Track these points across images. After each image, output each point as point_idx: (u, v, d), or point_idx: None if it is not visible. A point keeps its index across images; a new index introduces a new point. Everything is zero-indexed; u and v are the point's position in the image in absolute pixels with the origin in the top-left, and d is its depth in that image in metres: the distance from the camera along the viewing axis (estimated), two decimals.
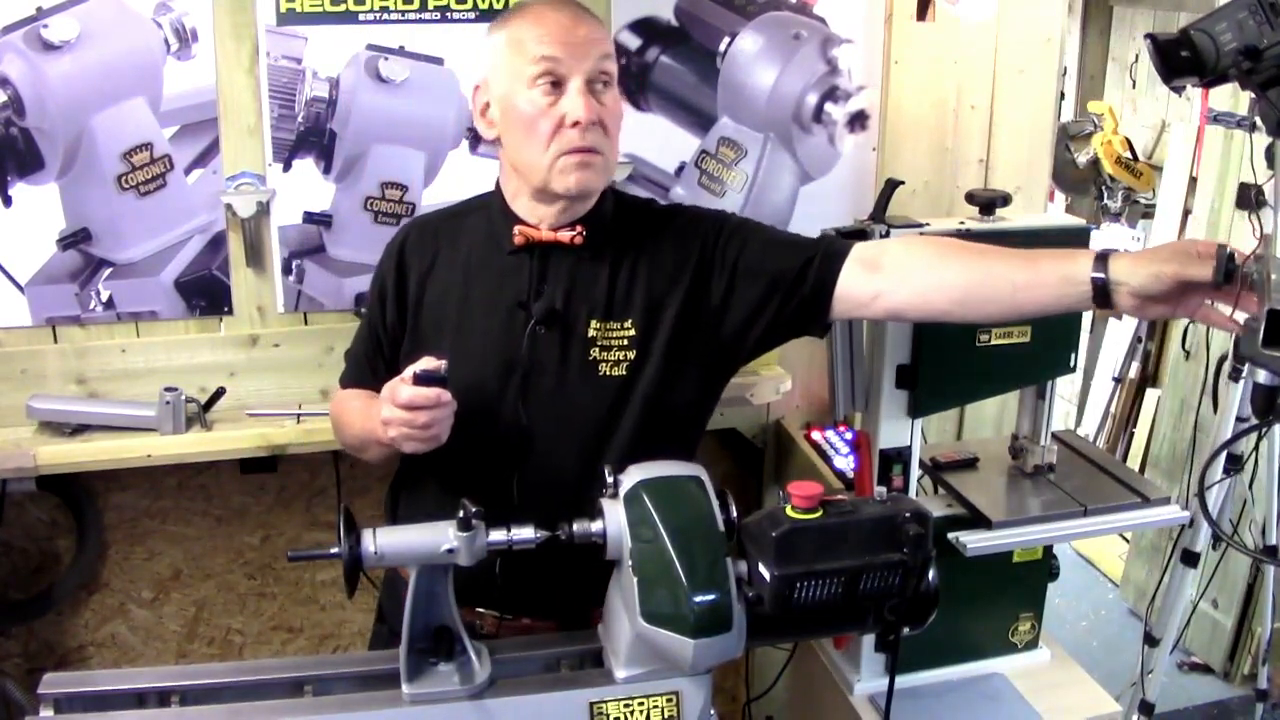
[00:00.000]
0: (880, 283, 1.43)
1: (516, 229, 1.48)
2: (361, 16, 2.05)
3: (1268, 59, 1.91)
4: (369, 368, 1.60)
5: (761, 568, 1.21)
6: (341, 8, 2.05)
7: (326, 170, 2.12)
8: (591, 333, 1.47)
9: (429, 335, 1.53)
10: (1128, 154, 4.67)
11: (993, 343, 1.66)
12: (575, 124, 1.40)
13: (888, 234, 1.61)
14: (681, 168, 2.31)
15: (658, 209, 1.61)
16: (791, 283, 1.47)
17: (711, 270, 1.51)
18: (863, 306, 1.47)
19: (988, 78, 2.41)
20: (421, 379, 1.31)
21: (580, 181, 1.43)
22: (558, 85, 1.41)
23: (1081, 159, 4.76)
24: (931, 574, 1.26)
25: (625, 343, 1.48)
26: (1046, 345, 1.69)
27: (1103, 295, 1.31)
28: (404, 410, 1.31)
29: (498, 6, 2.11)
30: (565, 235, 1.48)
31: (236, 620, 2.41)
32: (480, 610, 1.51)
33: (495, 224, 1.53)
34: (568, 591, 1.44)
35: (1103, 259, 1.32)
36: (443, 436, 1.35)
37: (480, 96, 1.49)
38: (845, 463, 2.28)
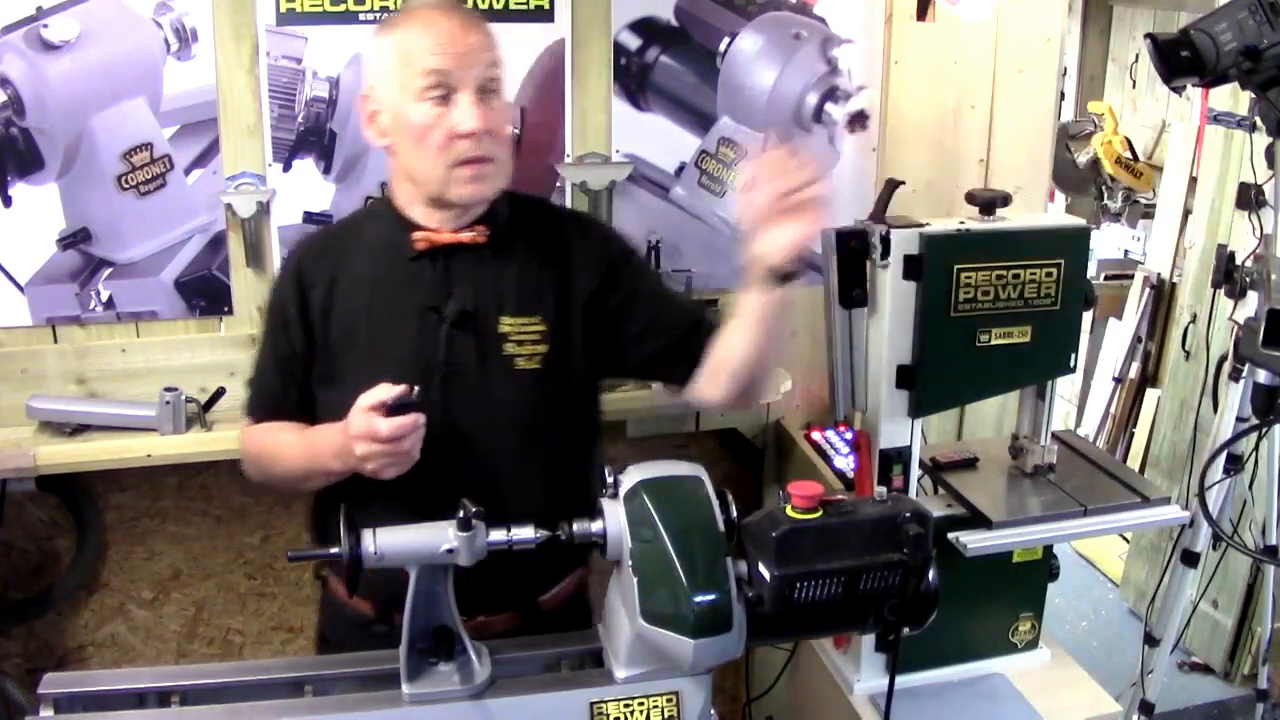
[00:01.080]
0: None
1: (417, 234, 1.49)
2: (361, 16, 2.05)
3: (1268, 59, 1.91)
4: (282, 398, 1.57)
5: (761, 568, 1.21)
6: (341, 8, 2.05)
7: (326, 170, 2.12)
8: (504, 329, 1.51)
9: (341, 351, 1.52)
10: (1128, 154, 4.67)
11: (993, 343, 1.66)
12: (467, 135, 1.41)
13: (888, 234, 1.61)
14: (681, 168, 2.31)
15: (557, 210, 1.72)
16: (681, 338, 1.57)
17: (616, 284, 1.57)
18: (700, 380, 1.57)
19: (988, 78, 2.41)
20: (396, 408, 1.33)
21: (475, 192, 1.47)
22: (447, 97, 1.42)
23: (1081, 159, 4.76)
24: (931, 574, 1.26)
25: (537, 337, 1.52)
26: (1046, 345, 1.69)
27: (771, 275, 1.42)
28: (385, 443, 1.33)
29: (497, 7, 2.11)
30: (467, 236, 1.50)
31: (236, 620, 2.41)
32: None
33: (391, 232, 1.52)
34: (514, 582, 1.47)
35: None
36: (416, 455, 1.38)
37: (368, 105, 1.48)
38: (845, 463, 2.28)
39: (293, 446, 1.52)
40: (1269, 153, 2.08)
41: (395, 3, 2.05)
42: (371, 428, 1.33)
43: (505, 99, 1.50)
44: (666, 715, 1.24)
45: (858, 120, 2.36)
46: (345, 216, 1.68)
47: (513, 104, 2.16)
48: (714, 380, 1.55)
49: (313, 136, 2.10)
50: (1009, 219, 1.70)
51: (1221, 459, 2.24)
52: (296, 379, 1.56)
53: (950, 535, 1.68)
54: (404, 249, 1.51)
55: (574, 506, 1.31)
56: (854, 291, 1.67)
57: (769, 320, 1.47)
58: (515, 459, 1.53)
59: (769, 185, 1.36)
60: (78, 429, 2.02)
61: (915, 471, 1.76)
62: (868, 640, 1.77)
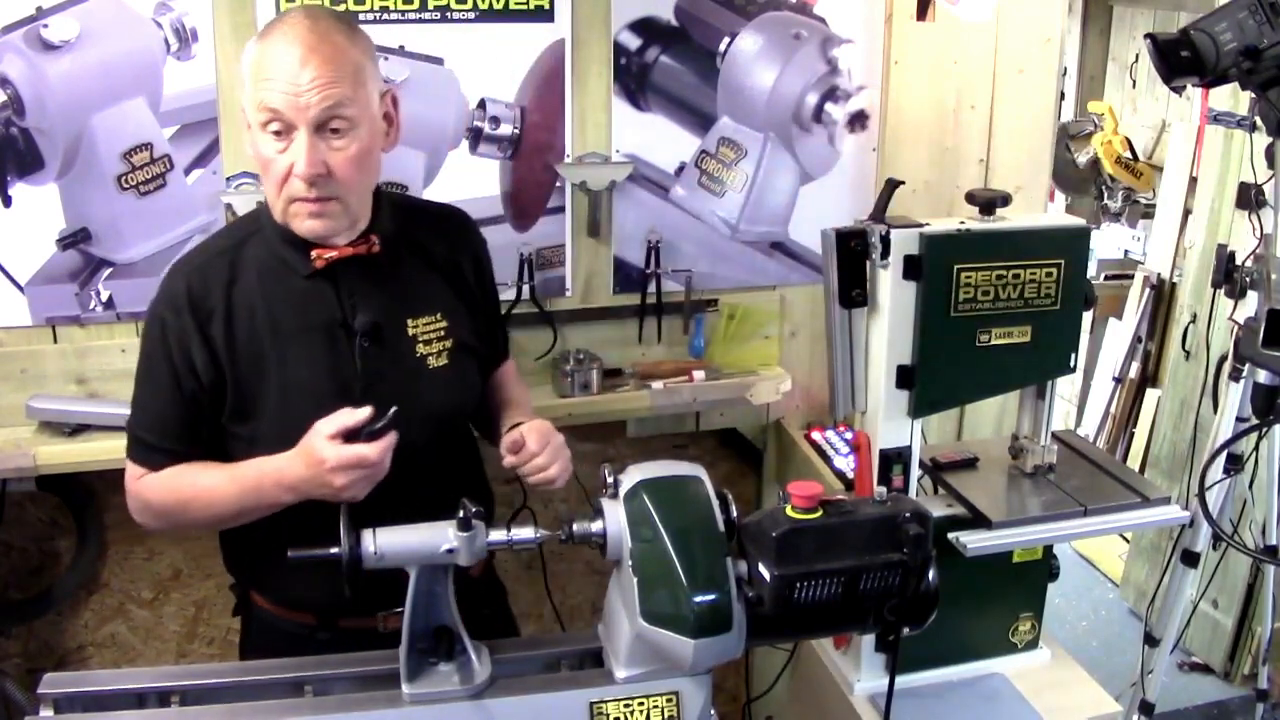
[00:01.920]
0: None
1: (315, 252, 1.45)
2: (361, 16, 2.05)
3: (1268, 59, 1.91)
4: (191, 440, 1.48)
5: (761, 568, 1.21)
6: (341, 8, 2.04)
7: None
8: (412, 331, 1.53)
9: (250, 378, 1.47)
10: (1128, 154, 4.68)
11: (993, 343, 1.66)
12: (299, 176, 1.38)
13: (888, 234, 1.61)
14: (681, 168, 2.31)
15: (430, 206, 1.72)
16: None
17: (480, 276, 1.65)
18: None
19: (988, 78, 2.41)
20: (373, 433, 1.33)
21: (314, 229, 1.43)
22: (286, 132, 1.37)
23: (1081, 159, 4.77)
24: (931, 574, 1.26)
25: (441, 333, 1.56)
26: (1046, 345, 1.69)
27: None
28: (364, 467, 1.33)
29: (497, 7, 2.11)
30: (362, 248, 1.48)
31: (236, 620, 2.41)
32: (381, 614, 1.53)
33: (278, 250, 1.48)
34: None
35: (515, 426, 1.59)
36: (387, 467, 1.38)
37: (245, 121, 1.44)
38: (845, 463, 2.28)
39: (221, 488, 1.45)
40: (1269, 153, 2.08)
41: (395, 2, 2.06)
42: (360, 456, 1.32)
43: (364, 130, 1.41)
44: (666, 715, 1.24)
45: (857, 120, 2.37)
46: (216, 237, 1.58)
47: (513, 104, 2.17)
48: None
49: None
50: (1009, 219, 1.70)
51: (1221, 459, 2.24)
52: (205, 413, 1.47)
53: (950, 535, 1.68)
54: (296, 267, 1.47)
55: (475, 489, 1.57)
56: (854, 291, 1.67)
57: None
58: (432, 453, 1.56)
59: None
60: (78, 429, 2.02)
61: (915, 471, 1.76)
62: (868, 640, 1.77)
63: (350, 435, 1.33)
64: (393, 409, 1.33)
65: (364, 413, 1.33)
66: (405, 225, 1.56)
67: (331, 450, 1.33)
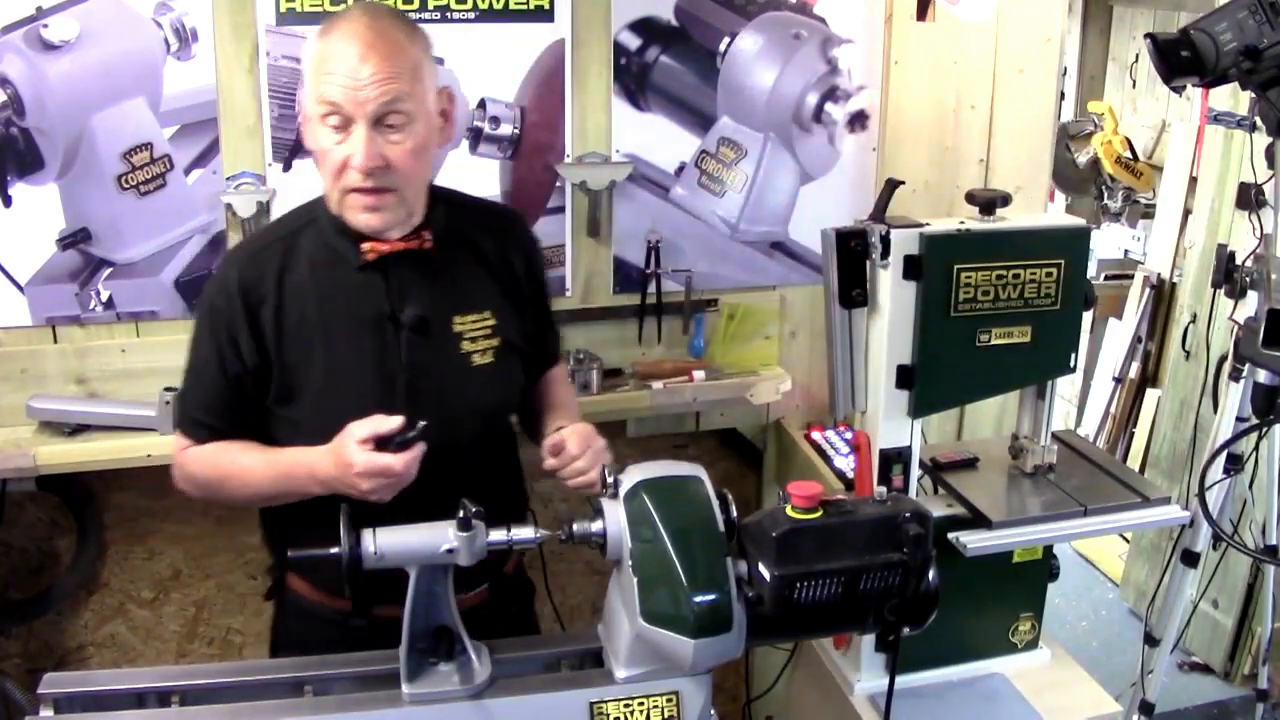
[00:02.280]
0: None
1: (366, 246, 1.48)
2: None
3: (1268, 59, 1.91)
4: (233, 419, 1.52)
5: (761, 568, 1.21)
6: (341, 8, 2.04)
7: None
8: (458, 328, 1.55)
9: (297, 363, 1.50)
10: (1128, 154, 4.68)
11: (993, 343, 1.66)
12: (357, 168, 1.41)
13: (888, 234, 1.61)
14: (681, 168, 2.31)
15: (483, 203, 1.73)
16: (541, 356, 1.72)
17: (531, 276, 1.67)
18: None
19: (988, 78, 2.41)
20: (404, 442, 1.35)
21: (369, 222, 1.46)
22: (345, 125, 1.40)
23: (1081, 159, 4.77)
24: (931, 574, 1.26)
25: (488, 332, 1.57)
26: (1046, 345, 1.69)
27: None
28: (388, 476, 1.35)
29: (497, 7, 2.11)
30: (414, 243, 1.51)
31: (236, 620, 2.41)
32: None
33: (332, 241, 1.51)
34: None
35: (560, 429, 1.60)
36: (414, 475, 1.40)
37: (302, 109, 1.51)
38: (845, 463, 2.28)
39: (258, 470, 1.49)
40: (1269, 153, 2.08)
41: (395, 2, 2.05)
42: (386, 466, 1.35)
43: (420, 125, 1.44)
44: (666, 715, 1.24)
45: (857, 120, 2.37)
46: (275, 224, 1.62)
47: (513, 104, 2.17)
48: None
49: None
50: (1009, 219, 1.70)
51: (1221, 459, 2.24)
52: (248, 396, 1.51)
53: (950, 535, 1.68)
54: (349, 259, 1.50)
55: (512, 487, 1.63)
56: (854, 291, 1.67)
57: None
58: (474, 452, 1.58)
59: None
60: (78, 429, 2.02)
61: (915, 471, 1.76)
62: (868, 640, 1.77)
63: (381, 442, 1.36)
64: (422, 423, 1.36)
65: (396, 422, 1.36)
66: (457, 222, 1.58)
67: (360, 456, 1.35)
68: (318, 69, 1.40)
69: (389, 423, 1.36)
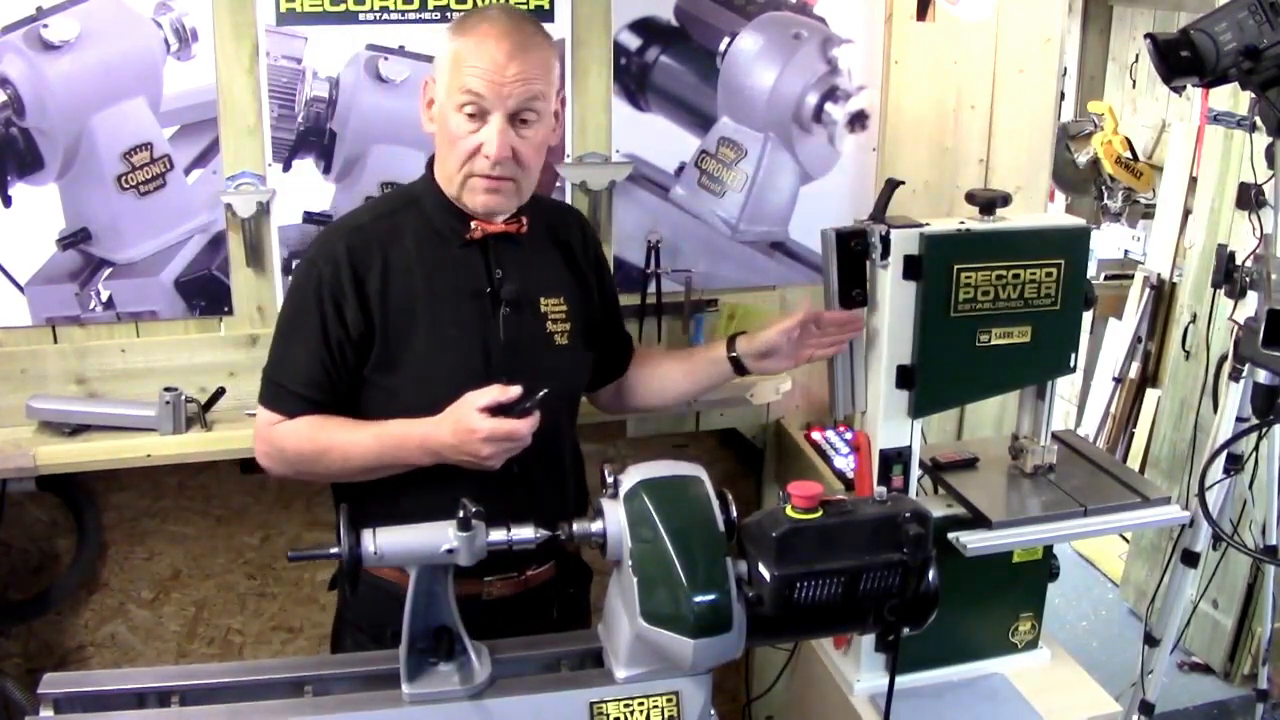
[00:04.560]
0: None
1: (474, 224, 1.58)
2: (361, 16, 2.05)
3: (1268, 59, 1.91)
4: (331, 390, 1.56)
5: (761, 568, 1.21)
6: (341, 8, 2.04)
7: (326, 170, 2.12)
8: (544, 309, 1.65)
9: (400, 331, 1.56)
10: (1128, 154, 4.68)
11: (993, 343, 1.66)
12: (487, 157, 1.52)
13: (888, 234, 1.61)
14: (681, 168, 2.31)
15: (558, 204, 1.94)
16: (617, 351, 1.86)
17: (602, 280, 1.79)
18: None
19: (988, 78, 2.41)
20: (525, 409, 1.44)
21: (487, 204, 1.57)
22: (481, 115, 1.51)
23: (1081, 159, 4.77)
24: (931, 574, 1.26)
25: (564, 315, 1.67)
26: (1046, 345, 1.69)
27: (738, 365, 1.79)
28: (513, 440, 1.45)
29: None
30: (514, 226, 1.61)
31: (236, 620, 2.41)
32: (488, 579, 1.60)
33: (436, 219, 1.60)
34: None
35: (731, 340, 1.79)
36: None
37: (429, 92, 1.58)
38: (845, 463, 2.28)
39: (363, 442, 1.53)
40: (1269, 153, 2.08)
41: (395, 2, 2.05)
42: (512, 429, 1.43)
43: (546, 123, 1.57)
44: (666, 715, 1.24)
45: (857, 120, 2.37)
46: (373, 204, 1.71)
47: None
48: (641, 394, 1.89)
49: (313, 136, 2.10)
50: (1009, 219, 1.70)
51: (1221, 459, 2.24)
52: (348, 366, 1.56)
53: (950, 535, 1.67)
54: (451, 235, 1.59)
55: (577, 470, 1.75)
56: (854, 291, 1.67)
57: (719, 382, 1.85)
58: (561, 429, 1.68)
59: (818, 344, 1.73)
60: (78, 429, 2.02)
61: (915, 471, 1.76)
62: (868, 640, 1.77)
63: (497, 410, 1.43)
64: (544, 391, 1.44)
65: (515, 391, 1.44)
66: (541, 213, 1.69)
67: (486, 422, 1.43)
68: (460, 61, 1.49)
69: (509, 391, 1.44)
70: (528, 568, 1.65)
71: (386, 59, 2.09)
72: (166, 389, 2.02)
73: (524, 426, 1.45)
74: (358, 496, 1.50)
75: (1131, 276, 4.40)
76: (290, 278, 1.64)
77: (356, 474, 1.57)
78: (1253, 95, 2.01)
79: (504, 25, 1.51)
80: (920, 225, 1.63)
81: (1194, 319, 3.33)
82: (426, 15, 2.08)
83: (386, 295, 1.55)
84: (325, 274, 1.54)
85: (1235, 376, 2.24)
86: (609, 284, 1.84)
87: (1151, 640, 2.49)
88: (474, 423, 1.44)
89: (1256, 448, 2.32)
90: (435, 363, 1.56)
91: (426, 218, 1.60)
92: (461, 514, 1.20)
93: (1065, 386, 4.34)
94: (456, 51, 1.51)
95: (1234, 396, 2.25)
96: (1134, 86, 5.12)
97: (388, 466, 1.54)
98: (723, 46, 2.26)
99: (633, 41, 2.21)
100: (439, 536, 1.21)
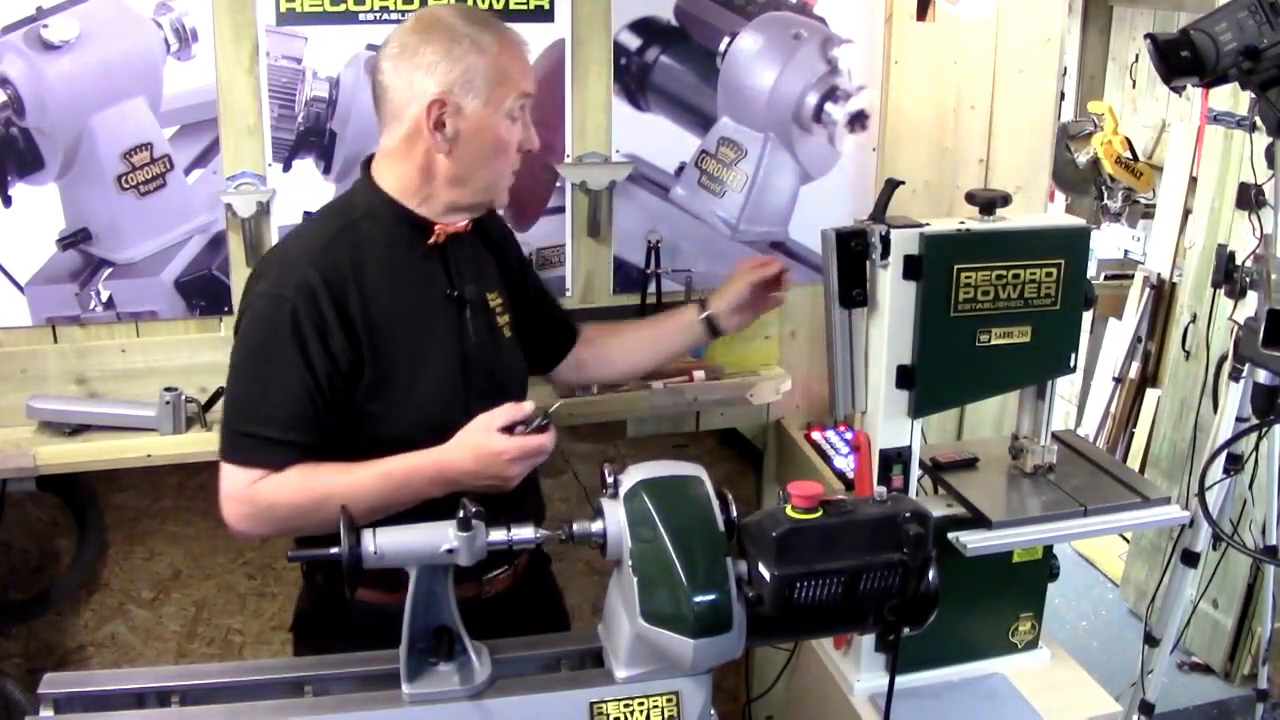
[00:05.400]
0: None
1: (437, 228, 1.57)
2: (361, 16, 2.05)
3: (1268, 59, 1.91)
4: (317, 428, 1.47)
5: (761, 568, 1.21)
6: (341, 8, 2.04)
7: (326, 170, 2.12)
8: (492, 303, 1.67)
9: (385, 352, 1.51)
10: (1128, 154, 4.68)
11: (993, 343, 1.66)
12: (528, 150, 1.59)
13: (888, 234, 1.61)
14: (681, 168, 2.31)
15: None
16: (558, 334, 1.90)
17: (515, 250, 1.84)
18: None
19: (988, 78, 2.41)
20: (540, 426, 1.45)
21: (507, 198, 1.64)
22: (522, 115, 1.56)
23: (1081, 159, 4.77)
24: (931, 574, 1.26)
25: (503, 307, 1.69)
26: (1046, 345, 1.69)
27: (711, 326, 1.88)
28: (539, 456, 1.46)
29: (497, 6, 2.10)
30: (464, 225, 1.61)
31: (236, 620, 2.41)
32: (485, 577, 1.61)
33: (393, 230, 1.56)
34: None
35: (702, 303, 1.89)
36: None
37: (439, 110, 1.50)
38: (845, 463, 2.28)
39: (367, 483, 1.44)
40: (1269, 153, 2.08)
41: (395, 2, 2.05)
42: (539, 445, 1.44)
43: None
44: (666, 715, 1.24)
45: (857, 120, 2.37)
46: (315, 226, 1.61)
47: None
48: (603, 366, 1.95)
49: (313, 136, 2.10)
50: (1009, 219, 1.70)
51: (1221, 459, 2.24)
52: (338, 399, 1.48)
53: (950, 535, 1.68)
54: (415, 244, 1.57)
55: (536, 483, 1.73)
56: (854, 291, 1.67)
57: (687, 348, 1.97)
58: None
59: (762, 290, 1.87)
60: (78, 429, 2.02)
61: (915, 471, 1.76)
62: (868, 640, 1.77)
63: (508, 429, 1.44)
64: (558, 403, 1.49)
65: (529, 407, 1.45)
66: None
67: (510, 442, 1.43)
68: (507, 71, 1.52)
69: (523, 408, 1.45)
70: (485, 572, 1.62)
71: None
72: (166, 389, 2.02)
73: (549, 440, 1.45)
74: None
75: (1131, 276, 4.40)
76: (245, 316, 1.52)
77: (362, 519, 1.43)
78: (1253, 95, 2.01)
79: (508, 29, 1.55)
80: (920, 225, 1.63)
81: (1194, 319, 3.33)
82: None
83: (369, 317, 1.49)
84: (300, 305, 1.45)
85: (1235, 376, 2.24)
86: (528, 262, 1.90)
87: (1151, 640, 2.49)
88: (496, 444, 1.42)
89: (1256, 448, 2.32)
90: (421, 375, 1.53)
91: (381, 231, 1.54)
92: (461, 514, 1.20)
93: (1065, 386, 4.34)
94: (497, 65, 1.51)
95: (1234, 396, 2.25)
96: (1134, 86, 5.12)
97: (397, 504, 1.45)
98: (723, 46, 2.26)
99: (633, 41, 2.21)
100: (439, 536, 1.21)
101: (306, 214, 2.13)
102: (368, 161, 1.60)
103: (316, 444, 1.47)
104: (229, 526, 1.49)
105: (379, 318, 1.50)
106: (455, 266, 1.60)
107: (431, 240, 1.56)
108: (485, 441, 1.43)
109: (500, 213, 1.82)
